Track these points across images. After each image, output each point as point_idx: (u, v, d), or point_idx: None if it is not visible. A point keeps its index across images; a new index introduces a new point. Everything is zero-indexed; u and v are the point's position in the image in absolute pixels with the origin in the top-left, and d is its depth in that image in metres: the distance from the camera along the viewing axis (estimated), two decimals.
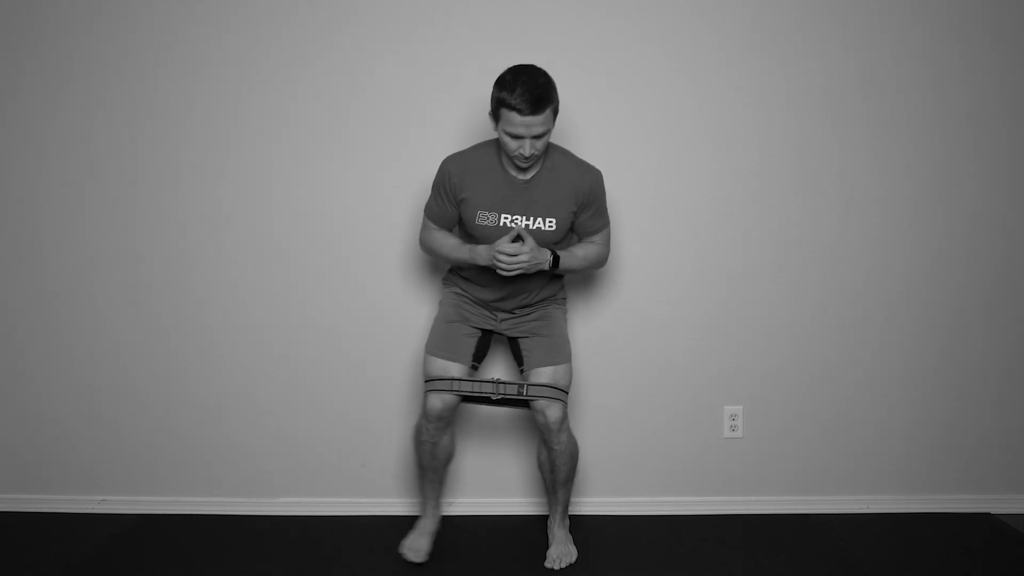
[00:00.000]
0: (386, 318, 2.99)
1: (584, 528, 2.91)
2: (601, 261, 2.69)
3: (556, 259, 2.53)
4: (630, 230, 2.98)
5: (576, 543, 2.78)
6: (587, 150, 2.81)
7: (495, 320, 2.69)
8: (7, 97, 2.94)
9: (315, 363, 3.01)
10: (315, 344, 3.00)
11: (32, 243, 2.99)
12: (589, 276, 3.00)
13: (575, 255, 2.59)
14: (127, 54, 2.92)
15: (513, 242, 2.47)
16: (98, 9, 2.91)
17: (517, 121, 2.36)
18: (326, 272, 2.98)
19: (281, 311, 2.99)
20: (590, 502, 3.04)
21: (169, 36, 2.91)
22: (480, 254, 2.51)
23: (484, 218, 2.53)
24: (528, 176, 2.52)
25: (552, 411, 2.57)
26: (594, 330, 3.00)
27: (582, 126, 2.94)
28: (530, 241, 2.47)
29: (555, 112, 2.42)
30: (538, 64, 2.42)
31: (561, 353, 2.65)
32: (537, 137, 2.39)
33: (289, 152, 2.94)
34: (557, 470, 2.66)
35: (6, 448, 3.05)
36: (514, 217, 2.52)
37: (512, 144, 2.41)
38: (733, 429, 3.06)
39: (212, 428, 3.03)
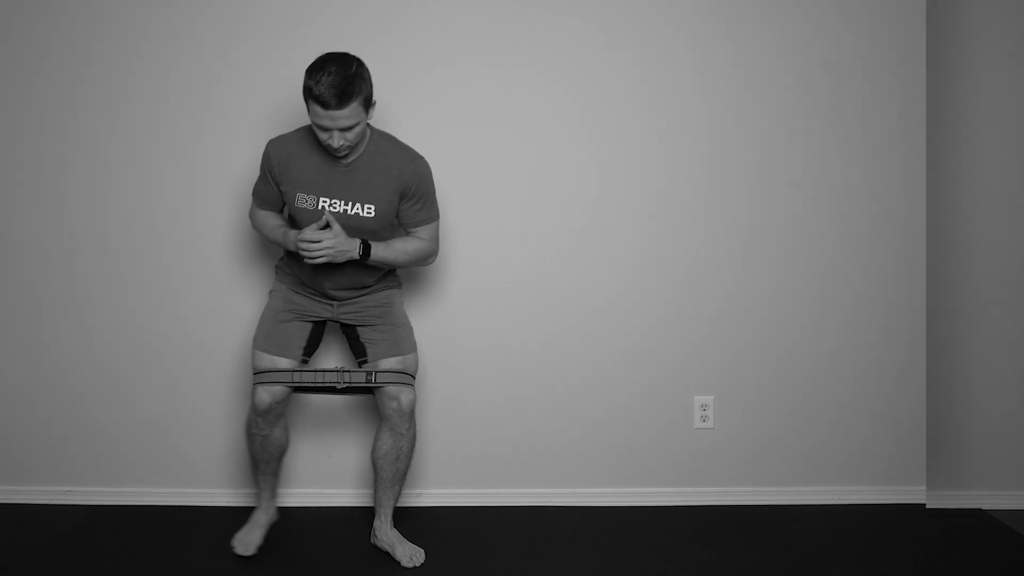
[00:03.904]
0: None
1: (554, 519, 2.90)
2: (424, 257, 2.62)
3: (367, 249, 2.47)
4: (616, 222, 2.99)
5: (543, 534, 2.78)
6: (567, 142, 2.82)
7: (331, 308, 2.63)
8: None
9: None
10: None
11: (1, 232, 2.99)
12: (556, 263, 2.99)
13: (392, 247, 2.52)
14: None
15: (322, 229, 2.43)
16: None
17: (321, 114, 2.32)
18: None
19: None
20: (560, 493, 3.02)
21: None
22: (290, 239, 2.49)
23: (303, 201, 2.48)
24: (349, 160, 2.47)
25: (405, 396, 2.56)
26: (575, 318, 3.01)
27: (547, 119, 2.95)
28: (336, 228, 2.43)
29: (367, 104, 2.36)
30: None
31: (406, 342, 2.62)
32: (346, 129, 2.34)
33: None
34: (402, 458, 2.61)
35: None
36: (333, 201, 2.48)
37: (322, 135, 2.38)
38: (704, 420, 3.03)
39: (178, 418, 3.01)
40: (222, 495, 3.01)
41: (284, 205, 2.59)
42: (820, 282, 3.02)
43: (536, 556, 2.65)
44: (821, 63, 2.95)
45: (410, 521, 2.83)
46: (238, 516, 2.88)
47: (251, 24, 2.92)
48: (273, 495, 2.71)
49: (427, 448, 2.98)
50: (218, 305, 2.98)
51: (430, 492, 3.01)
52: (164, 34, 2.91)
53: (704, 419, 3.03)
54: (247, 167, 2.85)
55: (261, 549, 2.64)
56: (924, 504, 3.03)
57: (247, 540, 2.62)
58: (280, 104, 2.89)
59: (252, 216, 2.67)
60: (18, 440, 3.02)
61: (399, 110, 2.86)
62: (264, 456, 2.62)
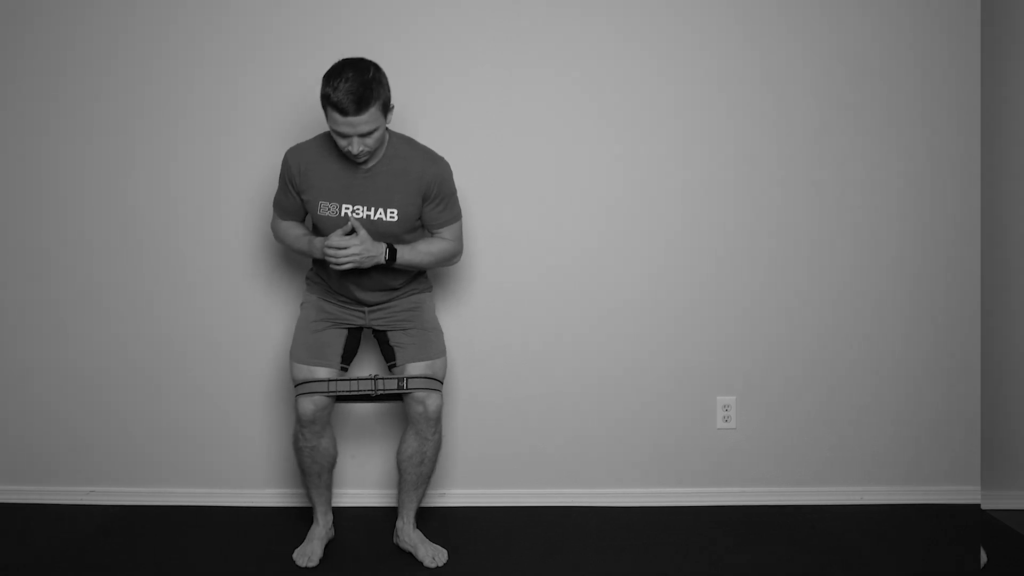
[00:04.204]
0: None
1: (577, 519, 2.89)
2: (449, 257, 2.61)
3: (392, 253, 2.47)
4: (630, 221, 2.98)
5: (566, 534, 2.78)
6: (591, 143, 2.85)
7: (363, 315, 2.62)
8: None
9: None
10: None
11: (22, 235, 2.98)
12: (580, 263, 2.99)
13: (417, 249, 2.52)
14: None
15: (348, 235, 2.42)
16: None
17: (340, 120, 2.30)
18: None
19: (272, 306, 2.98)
20: (582, 493, 3.02)
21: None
22: (316, 247, 2.48)
23: (326, 209, 2.47)
24: (369, 165, 2.46)
25: (432, 400, 2.55)
26: (598, 319, 3.00)
27: (570, 119, 2.95)
28: (362, 234, 2.42)
29: (385, 109, 2.35)
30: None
31: (435, 347, 2.62)
32: (366, 135, 2.33)
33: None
34: (426, 462, 2.61)
35: None
36: (355, 207, 2.46)
37: (341, 141, 2.36)
38: (726, 420, 3.02)
39: (201, 420, 3.01)
40: (245, 496, 3.01)
41: (306, 214, 2.58)
42: (844, 284, 3.00)
43: (559, 556, 2.64)
44: (842, 58, 2.94)
45: (433, 521, 2.83)
46: (259, 517, 2.91)
47: (267, 32, 2.91)
48: (328, 508, 2.69)
49: (450, 449, 2.97)
50: (238, 309, 2.98)
51: (453, 492, 3.01)
52: (182, 42, 2.91)
53: (727, 420, 3.02)
54: (266, 176, 2.86)
55: (282, 549, 2.65)
56: (978, 504, 3.01)
57: (307, 553, 2.60)
58: (298, 110, 2.88)
59: (274, 228, 2.65)
60: (41, 441, 3.02)
61: (417, 113, 2.85)
62: (315, 468, 2.61)
